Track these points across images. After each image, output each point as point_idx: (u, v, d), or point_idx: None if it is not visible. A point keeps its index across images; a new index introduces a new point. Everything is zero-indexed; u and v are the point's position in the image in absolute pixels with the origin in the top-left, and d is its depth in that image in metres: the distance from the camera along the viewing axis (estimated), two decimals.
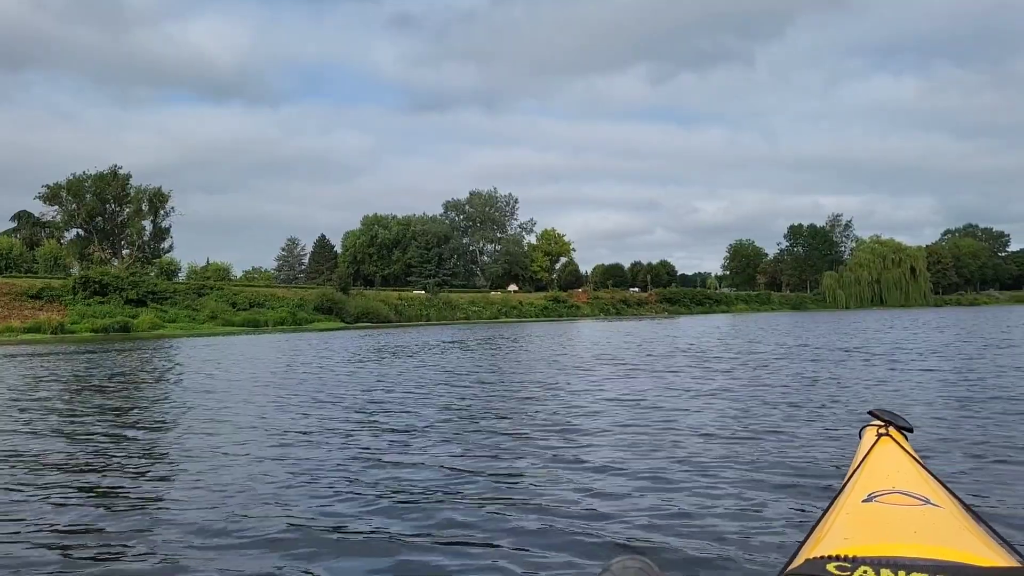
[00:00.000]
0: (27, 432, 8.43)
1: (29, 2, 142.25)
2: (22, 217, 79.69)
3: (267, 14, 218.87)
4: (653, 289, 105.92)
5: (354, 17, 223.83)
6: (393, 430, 7.87)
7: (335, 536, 4.24)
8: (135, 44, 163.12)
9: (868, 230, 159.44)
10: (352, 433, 7.74)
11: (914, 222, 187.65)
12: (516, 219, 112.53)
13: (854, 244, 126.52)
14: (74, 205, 71.90)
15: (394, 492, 5.17)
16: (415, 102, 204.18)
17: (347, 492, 5.19)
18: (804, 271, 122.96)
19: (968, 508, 1.62)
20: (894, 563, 1.09)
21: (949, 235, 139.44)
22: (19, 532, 4.45)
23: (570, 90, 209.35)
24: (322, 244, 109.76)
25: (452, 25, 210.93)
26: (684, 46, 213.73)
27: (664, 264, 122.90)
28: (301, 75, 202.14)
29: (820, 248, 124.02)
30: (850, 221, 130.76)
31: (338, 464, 6.14)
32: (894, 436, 2.03)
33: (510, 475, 5.62)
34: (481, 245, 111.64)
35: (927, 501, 1.54)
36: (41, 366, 20.34)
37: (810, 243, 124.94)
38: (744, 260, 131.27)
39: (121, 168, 73.54)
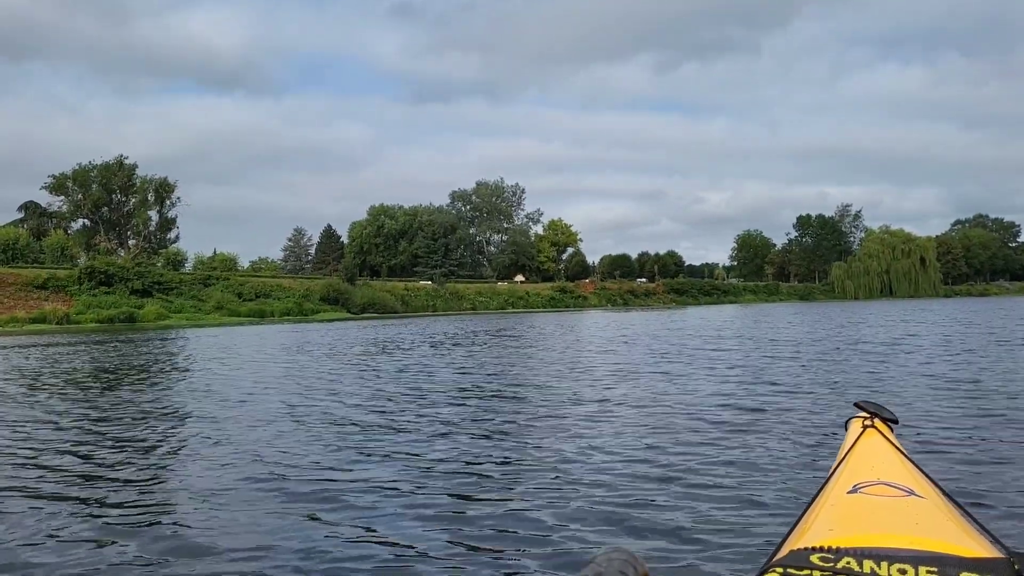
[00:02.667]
0: (28, 424, 8.36)
1: None
2: (29, 207, 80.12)
3: (269, 4, 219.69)
4: (661, 280, 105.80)
5: (355, 7, 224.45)
6: (391, 429, 7.76)
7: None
8: (137, 35, 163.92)
9: (874, 220, 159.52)
10: (346, 430, 7.62)
11: (920, 212, 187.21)
12: (523, 209, 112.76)
13: (863, 235, 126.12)
14: (80, 195, 72.25)
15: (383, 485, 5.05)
16: (417, 93, 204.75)
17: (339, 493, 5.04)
18: (813, 261, 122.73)
19: (951, 499, 1.63)
20: (877, 554, 1.11)
21: (959, 225, 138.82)
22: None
23: (573, 80, 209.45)
24: (328, 235, 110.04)
25: (453, 15, 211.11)
26: (688, 36, 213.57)
27: (672, 255, 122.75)
28: (303, 66, 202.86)
29: (829, 238, 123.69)
30: (859, 212, 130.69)
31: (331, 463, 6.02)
32: (879, 428, 1.98)
33: (492, 475, 5.54)
34: (488, 235, 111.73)
35: (911, 492, 1.55)
36: (39, 357, 20.35)
37: (819, 233, 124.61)
38: (752, 251, 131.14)
39: (127, 158, 73.91)
